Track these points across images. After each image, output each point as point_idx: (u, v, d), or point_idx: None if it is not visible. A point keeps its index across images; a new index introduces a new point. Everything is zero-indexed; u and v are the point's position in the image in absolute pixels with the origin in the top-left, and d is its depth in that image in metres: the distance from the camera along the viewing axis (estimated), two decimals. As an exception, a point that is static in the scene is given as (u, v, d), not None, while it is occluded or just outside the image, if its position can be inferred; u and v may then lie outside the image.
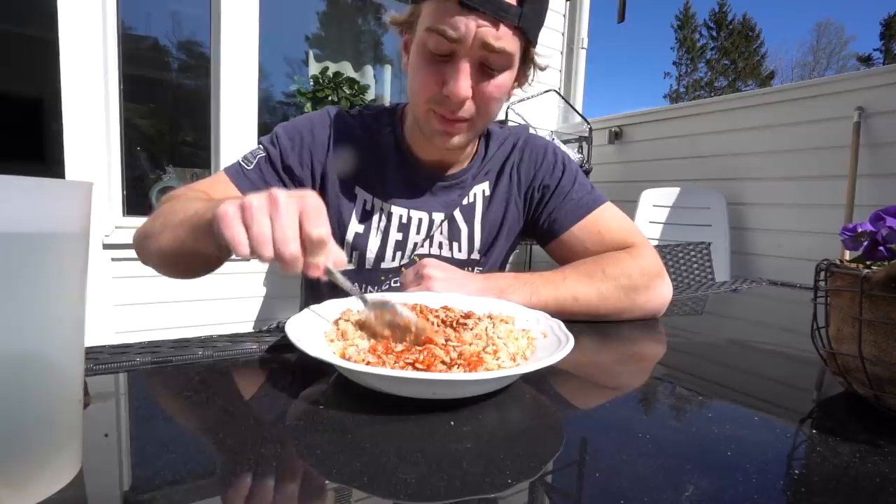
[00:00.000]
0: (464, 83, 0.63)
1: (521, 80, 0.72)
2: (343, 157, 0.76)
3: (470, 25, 0.60)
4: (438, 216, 0.78)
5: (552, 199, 0.80)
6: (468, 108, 0.66)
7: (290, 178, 0.74)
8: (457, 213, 0.79)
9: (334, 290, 0.80)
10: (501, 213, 0.81)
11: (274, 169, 0.73)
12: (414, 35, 0.67)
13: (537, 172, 0.81)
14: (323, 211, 0.41)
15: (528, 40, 0.66)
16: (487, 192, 0.81)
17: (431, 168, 0.78)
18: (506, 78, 0.66)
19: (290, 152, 0.74)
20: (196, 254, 0.55)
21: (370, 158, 0.77)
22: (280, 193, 0.40)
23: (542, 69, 0.72)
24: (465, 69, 0.63)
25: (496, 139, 0.83)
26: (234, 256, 0.45)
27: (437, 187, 0.78)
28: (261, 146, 0.75)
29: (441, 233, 0.79)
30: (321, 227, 0.40)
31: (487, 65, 0.64)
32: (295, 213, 0.40)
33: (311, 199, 0.41)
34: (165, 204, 0.64)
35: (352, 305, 0.51)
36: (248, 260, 0.41)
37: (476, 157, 0.81)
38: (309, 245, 0.40)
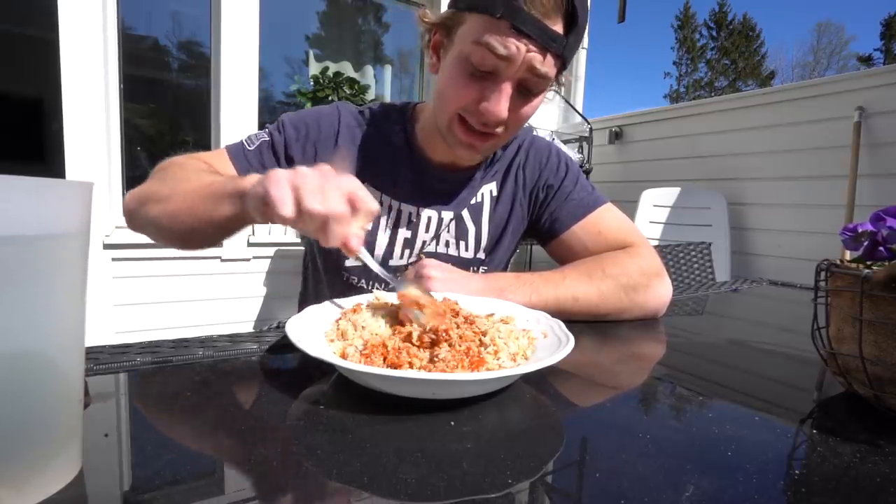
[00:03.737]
0: (504, 104, 0.63)
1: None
2: (351, 153, 0.76)
3: (521, 48, 0.59)
4: (447, 214, 0.78)
5: (554, 198, 0.80)
6: (500, 126, 0.66)
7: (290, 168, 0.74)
8: (465, 213, 0.80)
9: (334, 290, 0.80)
10: (507, 212, 0.82)
11: (275, 156, 0.73)
12: (450, 40, 0.66)
13: (542, 172, 0.82)
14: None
15: (564, 66, 0.66)
16: (495, 192, 0.82)
17: (441, 168, 0.78)
18: (539, 100, 0.67)
19: (293, 142, 0.74)
20: (207, 222, 0.55)
21: (379, 156, 0.77)
22: (328, 168, 0.43)
23: (562, 85, 0.72)
24: (507, 90, 0.62)
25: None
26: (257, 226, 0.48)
27: (446, 186, 0.78)
28: (266, 130, 0.75)
29: (448, 231, 0.79)
30: (374, 202, 0.44)
31: (526, 87, 0.64)
32: (343, 186, 0.43)
33: (355, 180, 0.44)
34: (169, 170, 0.64)
35: (356, 301, 0.51)
36: (286, 224, 0.43)
37: (485, 158, 0.81)
38: (362, 212, 0.43)
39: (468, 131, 0.66)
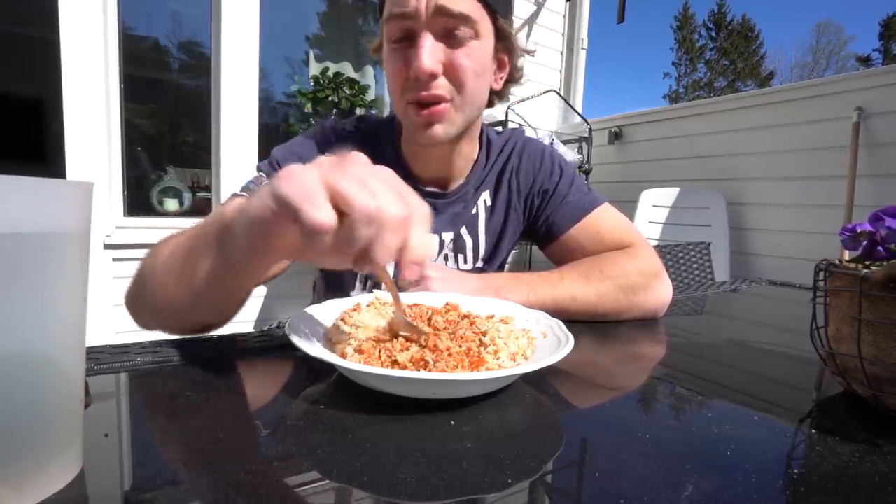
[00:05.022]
0: (425, 56, 0.59)
1: (504, 64, 0.69)
2: None
3: None
4: (448, 235, 0.77)
5: (549, 202, 0.79)
6: (443, 85, 0.62)
7: None
8: (462, 229, 0.78)
9: (338, 292, 0.80)
10: (503, 220, 0.81)
11: None
12: None
13: (536, 177, 0.80)
14: None
15: (494, 10, 0.63)
16: (489, 202, 0.80)
17: (433, 185, 0.76)
18: (476, 48, 0.63)
19: None
20: (197, 288, 0.42)
21: None
22: (354, 153, 0.32)
23: (530, 53, 0.70)
24: (425, 42, 0.59)
25: (495, 147, 0.81)
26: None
27: (441, 204, 0.76)
28: (261, 173, 0.68)
29: (447, 247, 0.78)
30: (424, 205, 0.32)
31: (452, 34, 0.61)
32: (387, 177, 0.31)
33: (389, 172, 0.32)
34: (148, 258, 0.52)
35: (360, 301, 0.51)
36: (313, 251, 0.29)
37: (476, 167, 0.79)
38: (416, 221, 0.30)
39: (421, 109, 0.63)
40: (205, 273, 0.40)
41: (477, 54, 0.63)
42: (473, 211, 0.79)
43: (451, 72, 0.62)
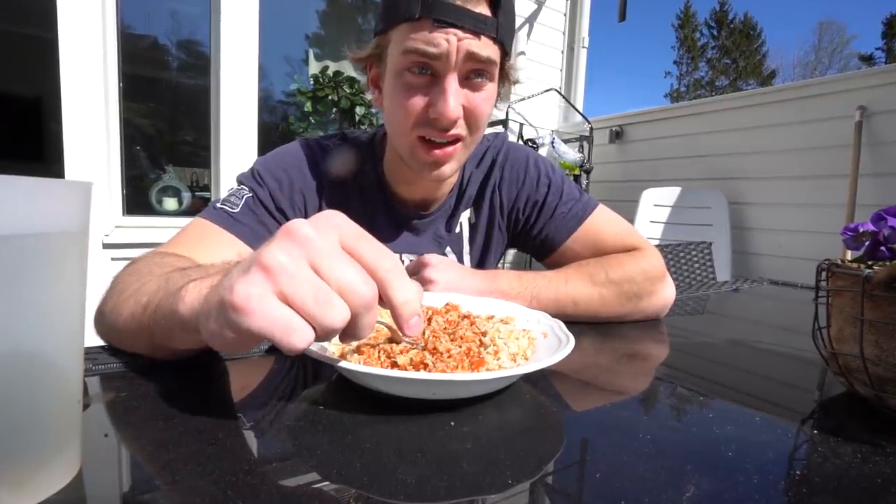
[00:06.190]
0: (453, 100, 0.58)
1: (498, 94, 0.68)
2: (334, 200, 0.70)
3: (451, 40, 0.56)
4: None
5: (540, 216, 0.76)
6: (461, 126, 0.62)
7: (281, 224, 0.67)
8: (447, 249, 0.78)
9: None
10: (486, 237, 0.79)
11: (267, 210, 0.65)
12: (384, 68, 0.63)
13: (520, 192, 0.77)
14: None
15: (506, 52, 0.63)
16: (472, 219, 0.79)
17: (415, 207, 0.75)
18: (491, 90, 0.63)
19: (279, 193, 0.66)
20: (172, 352, 0.42)
21: (357, 201, 0.72)
22: (300, 225, 0.29)
23: (515, 81, 0.68)
24: (452, 85, 0.59)
25: (472, 158, 0.77)
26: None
27: (424, 226, 0.76)
28: (243, 186, 0.65)
29: None
30: (387, 253, 0.31)
31: (473, 78, 0.60)
32: (341, 247, 0.30)
33: (340, 219, 0.31)
34: (118, 284, 0.49)
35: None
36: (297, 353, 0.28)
37: (456, 184, 0.77)
38: (388, 278, 0.30)
39: (431, 148, 0.62)
40: (173, 348, 0.40)
41: (492, 96, 0.64)
42: (457, 230, 0.78)
43: (470, 115, 0.62)
